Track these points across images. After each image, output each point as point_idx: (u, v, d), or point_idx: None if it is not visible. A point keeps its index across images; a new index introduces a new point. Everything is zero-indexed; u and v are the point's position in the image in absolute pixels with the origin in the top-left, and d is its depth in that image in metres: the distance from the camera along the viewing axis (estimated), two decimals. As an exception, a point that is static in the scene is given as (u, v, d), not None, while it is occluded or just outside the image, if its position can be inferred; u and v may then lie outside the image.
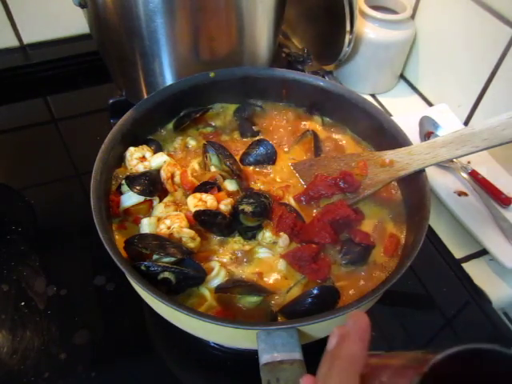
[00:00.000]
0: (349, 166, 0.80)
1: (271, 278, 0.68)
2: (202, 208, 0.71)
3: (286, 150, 0.86)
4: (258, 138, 0.87)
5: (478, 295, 0.83)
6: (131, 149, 0.80)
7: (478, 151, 0.71)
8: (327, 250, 0.71)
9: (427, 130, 1.05)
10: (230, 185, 0.78)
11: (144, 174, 0.75)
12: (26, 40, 1.26)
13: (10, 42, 1.25)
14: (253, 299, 0.65)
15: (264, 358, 0.54)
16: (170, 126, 0.88)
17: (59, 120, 1.16)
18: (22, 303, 0.79)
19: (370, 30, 1.12)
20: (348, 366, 0.39)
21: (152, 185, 0.74)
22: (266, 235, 0.71)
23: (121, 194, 0.75)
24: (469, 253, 0.90)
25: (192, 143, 0.86)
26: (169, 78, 0.95)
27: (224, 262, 0.69)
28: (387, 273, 0.68)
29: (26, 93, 1.20)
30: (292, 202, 0.77)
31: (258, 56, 1.01)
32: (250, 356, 0.60)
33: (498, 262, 0.85)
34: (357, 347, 0.40)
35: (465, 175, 0.97)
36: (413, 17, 1.16)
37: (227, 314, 0.64)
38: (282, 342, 0.54)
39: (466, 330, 0.80)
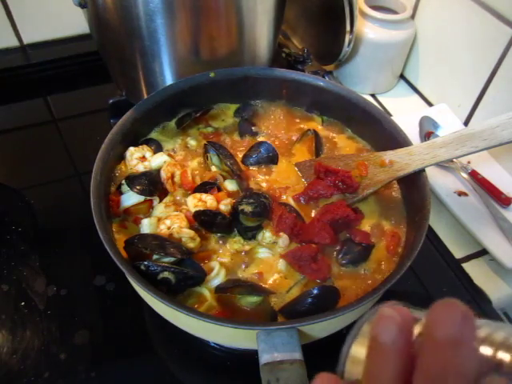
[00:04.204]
0: (349, 166, 0.80)
1: (271, 278, 0.68)
2: (201, 208, 0.71)
3: (286, 150, 0.86)
4: (259, 139, 0.87)
5: (478, 295, 0.83)
6: (131, 149, 0.80)
7: (477, 151, 0.71)
8: (327, 249, 0.71)
9: (427, 130, 1.05)
10: (230, 185, 0.78)
11: (144, 174, 0.75)
12: (26, 40, 1.26)
13: (10, 42, 1.25)
14: (253, 299, 0.65)
15: (264, 358, 0.54)
16: (170, 125, 0.88)
17: (59, 120, 1.16)
18: (22, 303, 0.79)
19: (369, 29, 1.12)
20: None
21: (152, 184, 0.74)
22: (266, 235, 0.71)
23: (121, 193, 0.75)
24: (469, 253, 0.90)
25: (192, 143, 0.86)
26: (169, 78, 0.95)
27: (224, 261, 0.69)
28: (387, 273, 0.68)
29: (26, 93, 1.20)
30: (291, 202, 0.77)
31: (258, 56, 1.01)
32: (250, 356, 0.60)
33: (498, 261, 0.85)
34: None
35: (465, 175, 0.97)
36: (413, 17, 1.16)
37: (227, 314, 0.64)
38: (282, 342, 0.54)
39: (466, 330, 0.80)
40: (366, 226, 0.75)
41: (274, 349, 0.54)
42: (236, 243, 0.71)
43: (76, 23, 1.23)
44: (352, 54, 1.15)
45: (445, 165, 0.99)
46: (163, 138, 0.86)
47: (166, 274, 0.63)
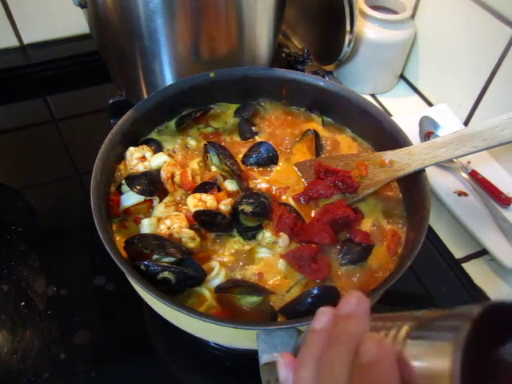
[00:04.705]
0: (349, 166, 0.80)
1: (271, 278, 0.68)
2: (201, 208, 0.71)
3: (286, 150, 0.86)
4: (259, 139, 0.87)
5: (478, 295, 0.83)
6: (131, 149, 0.80)
7: (477, 151, 0.71)
8: (327, 249, 0.71)
9: (427, 130, 1.05)
10: (230, 185, 0.78)
11: (144, 174, 0.75)
12: (26, 40, 1.26)
13: (10, 42, 1.25)
14: (253, 299, 0.65)
15: (264, 358, 0.53)
16: (171, 125, 0.89)
17: (59, 120, 1.16)
18: (22, 303, 0.79)
19: (369, 29, 1.12)
20: (355, 343, 0.36)
21: (152, 184, 0.74)
22: (266, 235, 0.71)
23: (121, 193, 0.75)
24: (469, 253, 0.90)
25: (192, 143, 0.86)
26: (169, 78, 0.95)
27: (224, 261, 0.69)
28: (387, 273, 0.68)
29: (26, 93, 1.20)
30: (291, 202, 0.77)
31: (258, 56, 1.01)
32: (250, 356, 0.60)
33: (498, 261, 0.85)
34: (363, 326, 0.38)
35: (465, 175, 0.97)
36: (413, 17, 1.16)
37: (227, 313, 0.64)
38: (281, 342, 0.54)
39: (466, 330, 0.80)
40: (366, 225, 0.75)
41: (274, 349, 0.54)
42: (236, 243, 0.72)
43: (76, 23, 1.23)
44: (352, 54, 1.15)
45: (445, 165, 0.99)
46: (163, 138, 0.87)
47: (165, 274, 0.63)
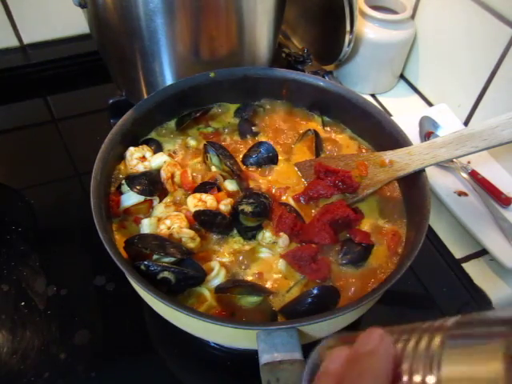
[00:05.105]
0: (349, 166, 0.80)
1: (271, 278, 0.68)
2: (201, 208, 0.71)
3: (286, 150, 0.86)
4: (259, 139, 0.87)
5: (478, 295, 0.83)
6: (131, 149, 0.80)
7: (477, 151, 0.71)
8: (327, 249, 0.71)
9: (427, 130, 1.05)
10: (230, 185, 0.78)
11: (144, 174, 0.75)
12: (26, 40, 1.27)
13: (10, 42, 1.25)
14: (253, 299, 0.65)
15: (264, 358, 0.54)
16: (171, 125, 0.89)
17: (59, 120, 1.16)
18: (22, 303, 0.79)
19: (369, 29, 1.12)
20: (383, 379, 0.33)
21: (152, 184, 0.74)
22: (266, 235, 0.71)
23: (121, 193, 0.75)
24: (469, 253, 0.90)
25: (192, 143, 0.86)
26: (169, 78, 0.96)
27: (224, 262, 0.69)
28: (387, 273, 0.68)
29: (26, 93, 1.21)
30: (291, 202, 0.77)
31: (258, 56, 1.01)
32: (250, 356, 0.60)
33: (498, 261, 0.85)
34: (389, 365, 0.34)
35: (465, 175, 0.97)
36: (413, 17, 1.16)
37: (227, 313, 0.64)
38: (281, 342, 0.54)
39: (466, 330, 0.80)
40: (366, 225, 0.75)
41: (274, 349, 0.54)
42: (236, 243, 0.72)
43: (76, 23, 1.23)
44: (352, 54, 1.15)
45: (445, 165, 0.99)
46: (163, 138, 0.86)
47: (165, 274, 0.63)
